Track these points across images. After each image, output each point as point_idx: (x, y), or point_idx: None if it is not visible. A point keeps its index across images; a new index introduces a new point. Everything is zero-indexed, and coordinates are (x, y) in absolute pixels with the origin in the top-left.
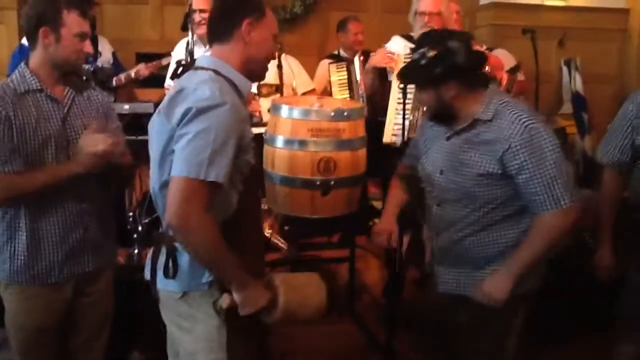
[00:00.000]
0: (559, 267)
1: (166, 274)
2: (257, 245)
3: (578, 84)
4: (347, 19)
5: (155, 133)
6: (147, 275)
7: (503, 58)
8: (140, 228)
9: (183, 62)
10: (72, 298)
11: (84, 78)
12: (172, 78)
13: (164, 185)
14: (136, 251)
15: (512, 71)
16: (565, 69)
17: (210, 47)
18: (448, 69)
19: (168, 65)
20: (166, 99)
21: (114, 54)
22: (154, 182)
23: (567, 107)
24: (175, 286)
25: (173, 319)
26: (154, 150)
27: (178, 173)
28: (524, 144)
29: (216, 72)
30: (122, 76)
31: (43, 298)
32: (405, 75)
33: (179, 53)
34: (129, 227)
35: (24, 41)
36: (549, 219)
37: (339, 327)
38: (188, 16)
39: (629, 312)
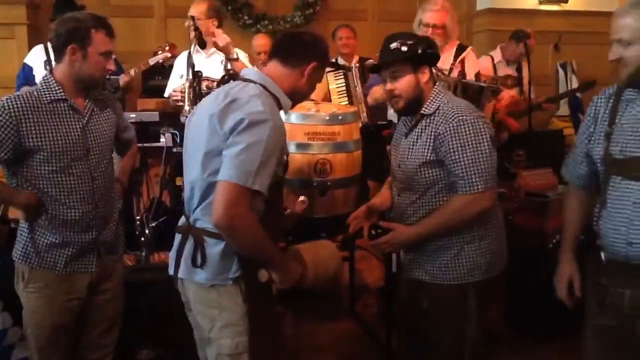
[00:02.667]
0: (552, 260)
1: (194, 264)
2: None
3: (574, 86)
4: (337, 27)
5: (205, 133)
6: (171, 269)
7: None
8: (147, 232)
9: (232, 72)
10: (86, 297)
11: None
12: (218, 85)
13: (206, 181)
14: (144, 254)
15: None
16: (561, 72)
17: (269, 60)
18: (426, 52)
19: (158, 63)
20: (217, 105)
21: (115, 59)
22: (192, 176)
23: (564, 109)
24: (203, 278)
25: (199, 308)
26: (199, 148)
27: (228, 178)
28: (450, 132)
29: (264, 87)
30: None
31: (59, 297)
32: (389, 62)
33: (180, 64)
34: (137, 231)
35: (27, 60)
36: (461, 199)
37: (340, 326)
38: (196, 30)
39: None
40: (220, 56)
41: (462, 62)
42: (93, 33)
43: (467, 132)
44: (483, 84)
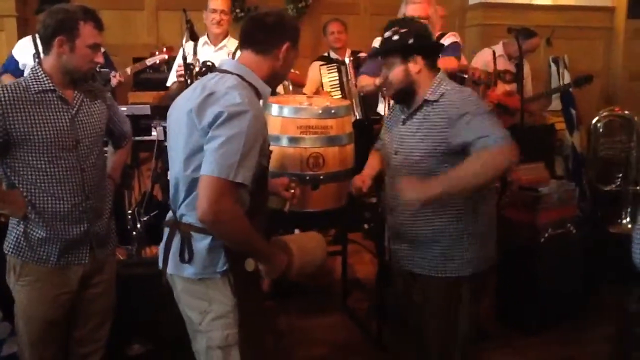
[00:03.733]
0: (544, 254)
1: (182, 259)
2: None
3: (566, 81)
4: (328, 21)
5: (185, 129)
6: (160, 263)
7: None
8: (139, 226)
9: (209, 64)
10: (78, 290)
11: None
12: (198, 76)
13: (190, 177)
14: (135, 248)
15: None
16: (553, 67)
17: (241, 50)
18: (418, 42)
19: (155, 64)
20: (194, 100)
21: (105, 53)
22: (175, 171)
23: (556, 104)
24: (191, 272)
25: (188, 301)
26: (180, 143)
27: (210, 173)
28: (464, 110)
29: (241, 77)
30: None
31: (52, 290)
32: (380, 50)
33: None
34: (128, 225)
35: (14, 52)
36: (489, 151)
37: (333, 320)
38: (188, 22)
39: None
40: (229, 49)
41: None
42: (81, 25)
43: (478, 105)
44: (464, 76)
